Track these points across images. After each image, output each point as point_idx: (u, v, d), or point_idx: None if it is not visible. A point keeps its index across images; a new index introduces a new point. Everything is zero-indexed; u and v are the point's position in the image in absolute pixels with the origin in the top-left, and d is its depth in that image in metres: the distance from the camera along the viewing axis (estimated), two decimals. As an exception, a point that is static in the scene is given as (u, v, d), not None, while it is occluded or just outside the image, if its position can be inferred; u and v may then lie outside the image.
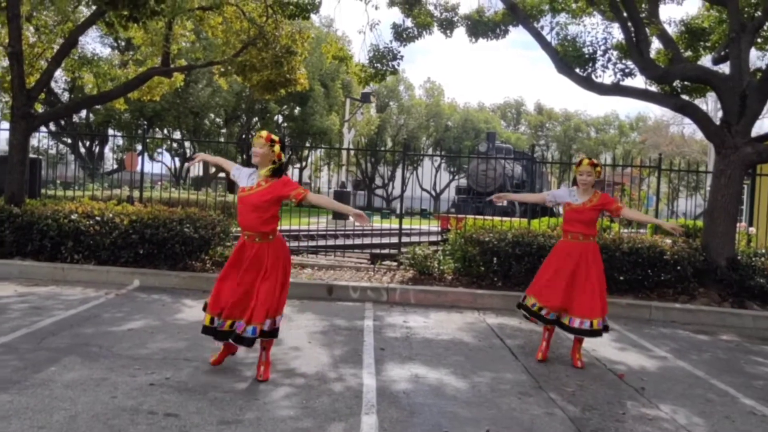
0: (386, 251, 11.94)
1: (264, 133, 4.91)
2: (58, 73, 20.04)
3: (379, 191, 56.31)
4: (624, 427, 4.34)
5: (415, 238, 13.67)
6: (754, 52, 10.67)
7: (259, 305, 4.71)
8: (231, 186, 37.39)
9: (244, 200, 4.87)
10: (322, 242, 13.23)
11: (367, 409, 4.32)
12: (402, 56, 11.72)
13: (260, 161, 4.86)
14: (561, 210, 6.11)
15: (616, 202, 6.09)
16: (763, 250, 9.52)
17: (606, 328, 5.80)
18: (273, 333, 4.85)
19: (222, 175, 40.39)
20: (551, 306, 5.74)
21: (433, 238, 14.86)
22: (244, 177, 4.94)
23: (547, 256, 6.05)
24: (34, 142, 15.17)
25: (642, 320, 8.37)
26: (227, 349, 5.12)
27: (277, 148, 4.87)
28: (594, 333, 5.69)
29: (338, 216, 20.14)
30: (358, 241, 14.01)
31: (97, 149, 37.90)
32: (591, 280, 5.68)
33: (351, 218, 4.93)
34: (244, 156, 37.64)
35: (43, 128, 12.71)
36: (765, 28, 10.46)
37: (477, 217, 13.12)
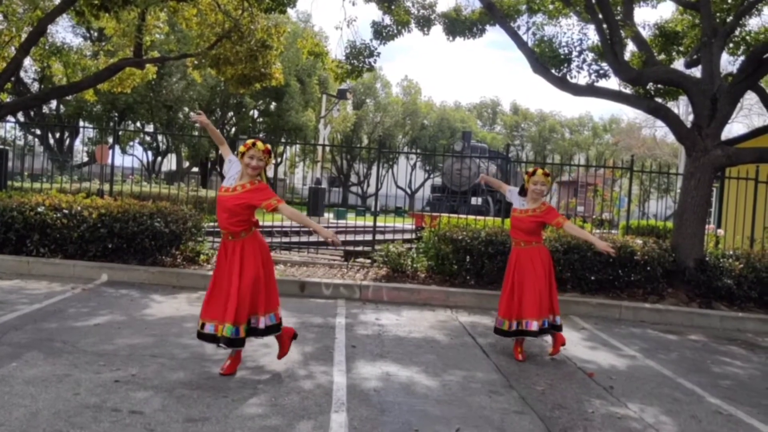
0: (360, 248, 11.90)
1: (261, 145, 4.80)
2: (29, 63, 19.59)
3: (354, 188, 56.21)
4: (592, 425, 4.37)
5: (389, 236, 13.64)
6: (725, 57, 10.88)
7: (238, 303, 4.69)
8: (204, 181, 37.03)
9: (220, 200, 4.84)
10: (295, 238, 13.14)
11: (337, 407, 4.28)
12: (379, 53, 11.69)
13: (256, 173, 4.80)
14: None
15: (558, 216, 5.85)
16: (731, 252, 9.67)
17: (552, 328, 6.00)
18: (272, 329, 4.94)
19: (195, 169, 39.96)
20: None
21: (408, 236, 14.85)
22: (232, 176, 4.84)
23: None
24: (0, 132, 14.83)
25: (612, 320, 8.46)
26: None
27: (270, 158, 4.88)
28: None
29: (313, 213, 20.05)
30: (332, 238, 13.90)
31: (67, 141, 37.14)
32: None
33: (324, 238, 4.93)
34: (219, 152, 37.18)
35: (11, 118, 12.41)
36: (736, 33, 10.63)
37: (451, 215, 13.13)
